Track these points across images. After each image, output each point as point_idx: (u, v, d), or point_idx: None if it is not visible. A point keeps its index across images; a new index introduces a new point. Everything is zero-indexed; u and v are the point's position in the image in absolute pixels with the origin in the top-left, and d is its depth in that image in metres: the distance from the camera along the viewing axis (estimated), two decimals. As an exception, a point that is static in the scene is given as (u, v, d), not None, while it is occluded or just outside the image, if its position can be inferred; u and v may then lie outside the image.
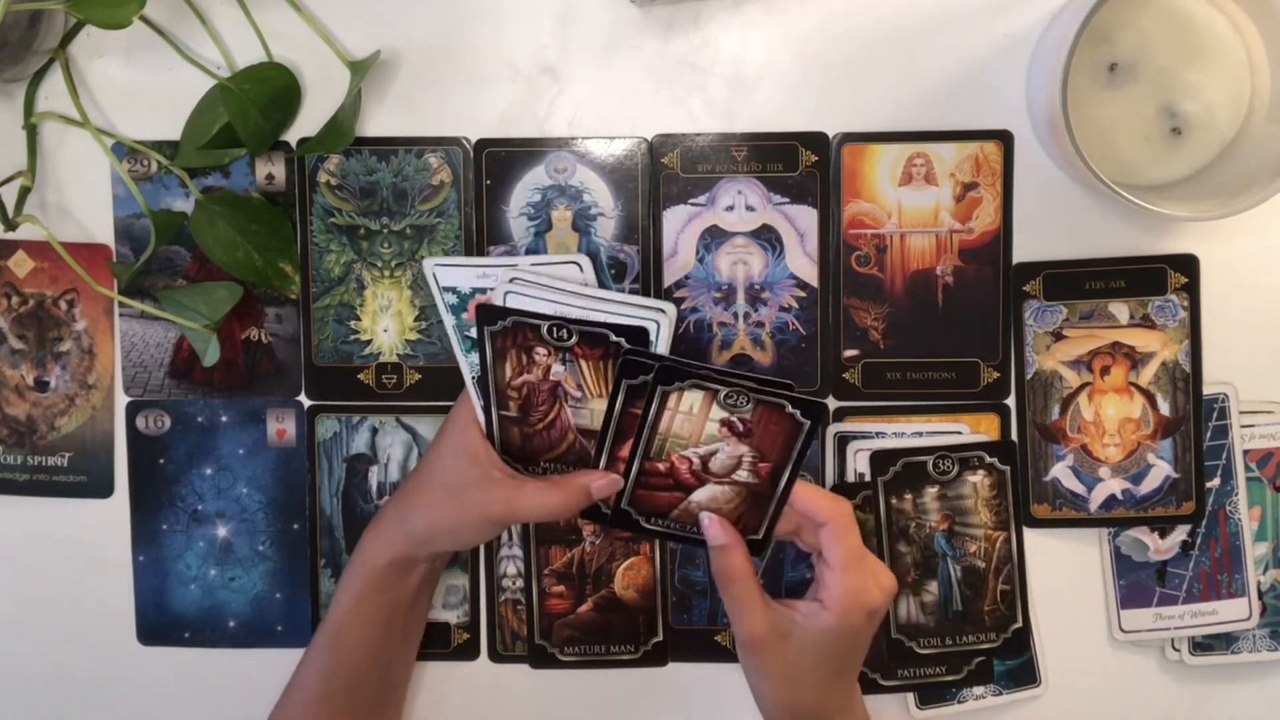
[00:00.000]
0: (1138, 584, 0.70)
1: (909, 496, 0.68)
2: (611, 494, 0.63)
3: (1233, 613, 0.69)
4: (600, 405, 0.63)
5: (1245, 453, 0.69)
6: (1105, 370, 0.68)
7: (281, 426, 0.71)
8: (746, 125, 0.68)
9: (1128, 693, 0.71)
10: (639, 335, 0.61)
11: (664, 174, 0.69)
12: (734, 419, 0.60)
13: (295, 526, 0.71)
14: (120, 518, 0.71)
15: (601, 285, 0.67)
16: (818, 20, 0.68)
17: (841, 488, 0.69)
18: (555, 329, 0.61)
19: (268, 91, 0.67)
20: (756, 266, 0.69)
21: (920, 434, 0.69)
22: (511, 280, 0.62)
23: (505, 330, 0.62)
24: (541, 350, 0.62)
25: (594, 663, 0.71)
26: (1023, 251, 0.69)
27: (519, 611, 0.71)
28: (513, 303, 0.62)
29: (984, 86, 0.68)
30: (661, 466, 0.62)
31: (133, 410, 0.71)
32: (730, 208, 0.69)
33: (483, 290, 0.65)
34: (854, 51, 0.68)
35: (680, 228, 0.69)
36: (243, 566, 0.72)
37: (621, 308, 0.61)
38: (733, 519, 0.63)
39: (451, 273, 0.65)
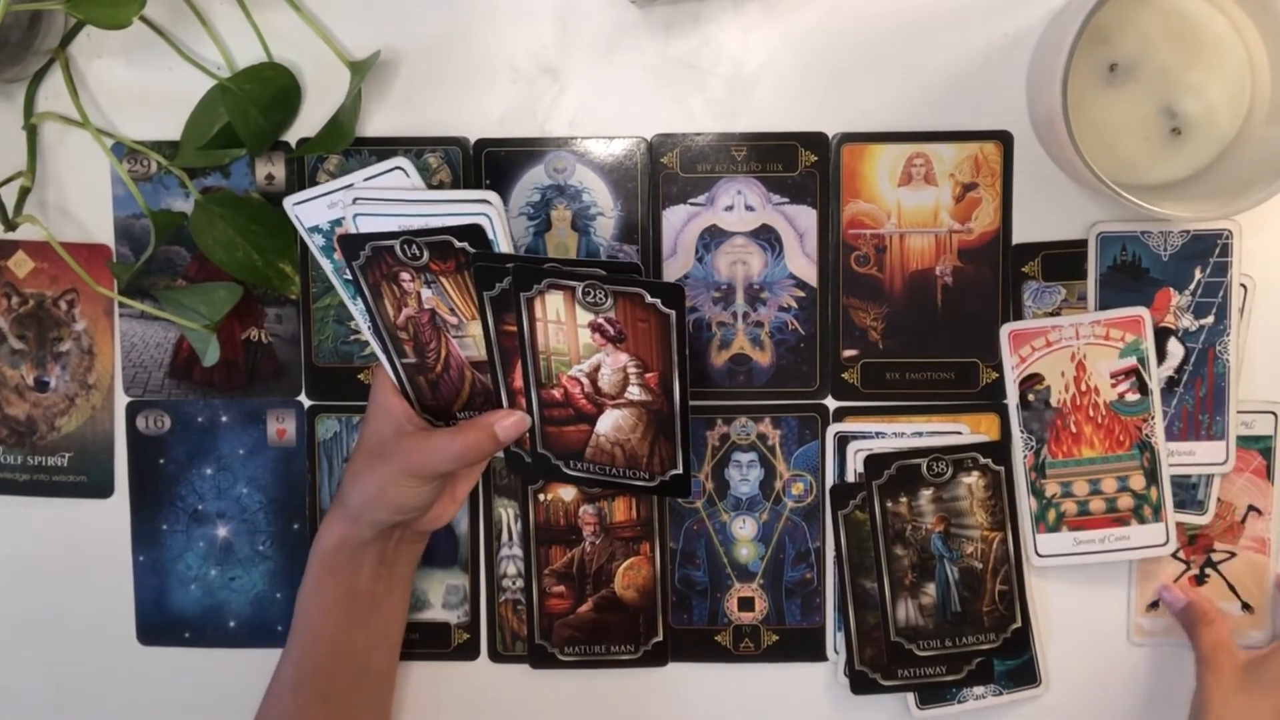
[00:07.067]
0: None
1: (904, 499, 0.68)
2: (520, 433, 0.64)
3: (1210, 455, 0.68)
4: (478, 330, 0.64)
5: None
6: None
7: (282, 426, 0.71)
8: (746, 125, 0.68)
9: (1130, 691, 0.71)
10: (476, 234, 0.62)
11: (663, 174, 0.69)
12: (600, 320, 0.61)
13: (296, 526, 0.71)
14: (120, 518, 0.72)
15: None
16: (818, 20, 0.68)
17: (841, 488, 0.69)
18: (406, 246, 0.62)
19: (268, 91, 0.67)
20: (756, 266, 0.69)
21: (920, 434, 0.69)
22: (355, 201, 0.63)
23: (369, 261, 0.63)
24: (406, 275, 0.63)
25: (594, 663, 0.71)
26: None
27: (519, 611, 0.71)
28: (363, 225, 0.63)
29: (984, 86, 0.68)
30: (557, 394, 0.64)
31: (133, 410, 0.71)
32: (730, 207, 0.69)
33: (339, 222, 0.65)
34: (854, 51, 0.68)
35: (680, 227, 0.69)
36: (243, 566, 0.72)
37: (453, 205, 0.63)
38: (646, 452, 0.64)
39: (310, 210, 0.66)
